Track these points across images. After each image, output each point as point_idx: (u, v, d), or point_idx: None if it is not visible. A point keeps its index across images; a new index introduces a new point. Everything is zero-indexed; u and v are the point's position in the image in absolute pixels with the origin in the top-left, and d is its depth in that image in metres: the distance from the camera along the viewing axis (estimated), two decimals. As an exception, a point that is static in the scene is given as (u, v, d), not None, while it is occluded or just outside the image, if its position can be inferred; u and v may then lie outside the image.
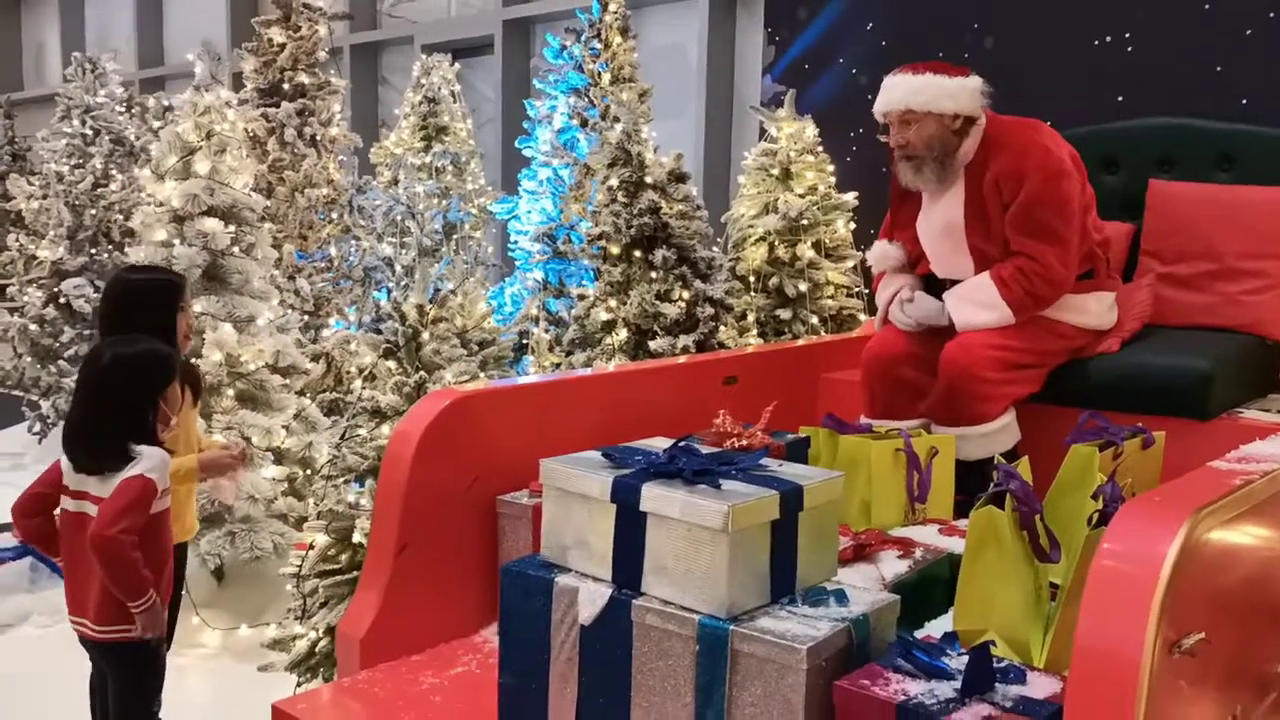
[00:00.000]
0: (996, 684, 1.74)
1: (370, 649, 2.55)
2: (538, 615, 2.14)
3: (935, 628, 2.16)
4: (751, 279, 4.62)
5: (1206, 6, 4.32)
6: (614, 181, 4.08)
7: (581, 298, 4.34)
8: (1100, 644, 1.51)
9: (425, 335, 3.18)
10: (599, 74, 5.44)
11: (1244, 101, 4.21)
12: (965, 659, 1.79)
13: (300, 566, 3.13)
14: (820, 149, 4.87)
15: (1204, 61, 4.33)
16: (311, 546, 3.18)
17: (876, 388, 3.29)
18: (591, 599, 2.05)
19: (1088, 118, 4.16)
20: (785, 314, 4.59)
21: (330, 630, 3.06)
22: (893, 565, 2.34)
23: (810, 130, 4.81)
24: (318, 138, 5.30)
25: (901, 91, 3.21)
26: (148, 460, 2.49)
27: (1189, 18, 4.37)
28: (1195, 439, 2.95)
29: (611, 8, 5.47)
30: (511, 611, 2.20)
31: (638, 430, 3.09)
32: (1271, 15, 4.16)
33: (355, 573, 3.16)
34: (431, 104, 7.21)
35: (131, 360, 2.56)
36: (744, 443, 2.44)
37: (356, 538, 3.07)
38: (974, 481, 3.01)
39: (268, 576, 4.07)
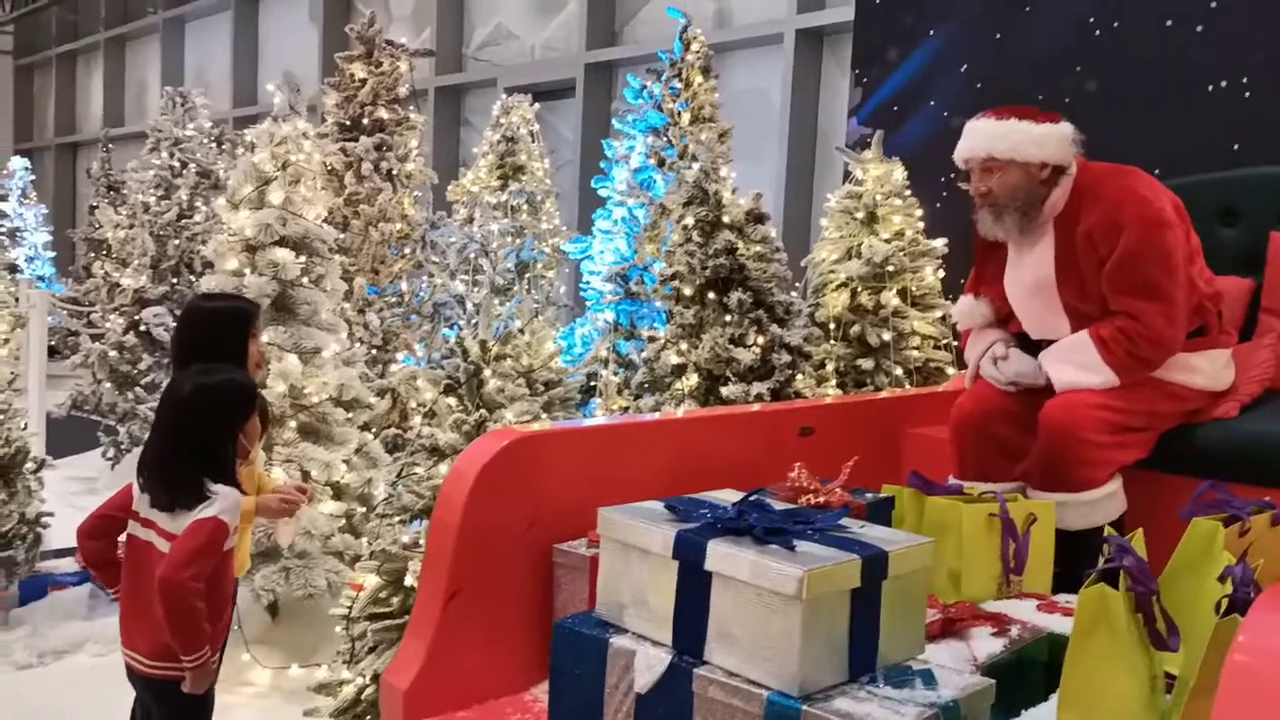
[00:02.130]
0: (1111, 791, 1.51)
1: (415, 701, 2.38)
2: (591, 678, 1.96)
3: (1035, 715, 1.93)
4: (831, 326, 4.41)
5: (1331, 48, 4.05)
6: (690, 220, 3.93)
7: (652, 340, 4.19)
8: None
9: (488, 372, 3.05)
10: (678, 113, 5.33)
11: (1375, 151, 3.92)
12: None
13: (350, 608, 2.99)
14: (908, 192, 4.67)
15: (1328, 108, 4.05)
16: (363, 587, 3.05)
17: (968, 446, 3.06)
18: (649, 665, 1.86)
19: (1200, 167, 3.91)
20: (867, 364, 4.37)
21: (377, 678, 2.91)
22: (986, 644, 2.11)
23: (898, 173, 4.61)
24: (394, 173, 5.26)
25: (983, 137, 3.02)
26: (222, 501, 2.39)
27: (1313, 62, 4.10)
28: (1325, 515, 2.66)
29: (694, 47, 5.36)
30: (563, 671, 2.02)
31: (705, 481, 2.90)
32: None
33: (406, 617, 3.02)
34: (510, 143, 7.18)
35: (213, 391, 2.48)
36: (821, 499, 2.24)
37: (409, 580, 2.92)
38: (1075, 554, 2.76)
39: (322, 615, 3.95)
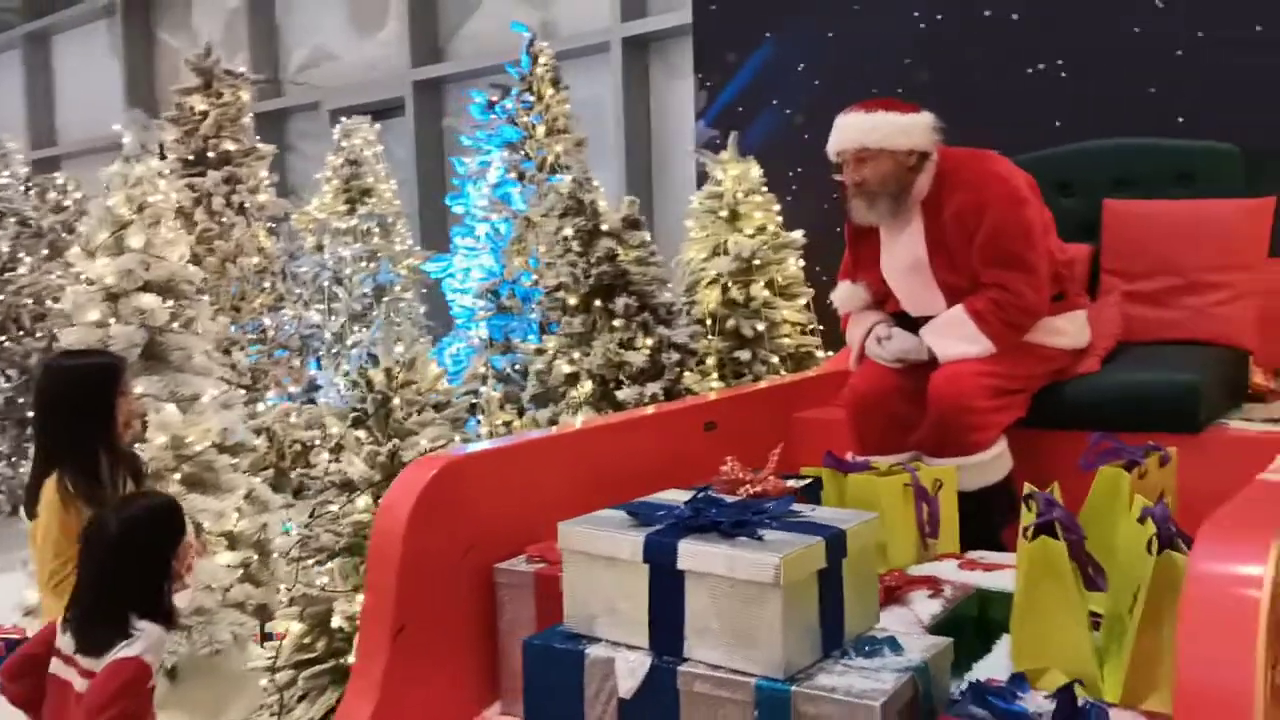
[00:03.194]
0: (1081, 725, 1.64)
1: (373, 744, 2.35)
2: (568, 691, 1.99)
3: (983, 668, 2.06)
4: (708, 321, 4.54)
5: (1136, 30, 4.42)
6: (569, 231, 3.98)
7: (540, 352, 4.21)
8: (1208, 674, 1.43)
9: (397, 400, 3.02)
10: (533, 126, 5.35)
11: (1180, 120, 4.31)
12: (1042, 701, 1.70)
13: (274, 659, 2.91)
14: (765, 189, 4.85)
15: (1138, 84, 4.42)
16: (285, 635, 2.97)
17: (865, 424, 3.22)
18: (631, 670, 1.91)
19: (1027, 145, 4.20)
20: (744, 355, 4.52)
21: (314, 725, 2.84)
22: (925, 606, 2.24)
23: (755, 171, 4.78)
24: (246, 205, 5.09)
25: (855, 130, 3.19)
26: (144, 639, 2.27)
27: (1120, 42, 4.47)
28: (1189, 452, 2.93)
29: (542, 60, 5.40)
30: (537, 689, 2.04)
31: (629, 484, 2.95)
32: (1200, 35, 4.28)
33: (335, 660, 2.96)
34: (354, 166, 7.05)
35: (143, 522, 2.35)
36: (759, 488, 2.33)
37: (336, 622, 2.87)
38: (971, 513, 2.95)
39: (221, 670, 3.80)
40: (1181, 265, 3.54)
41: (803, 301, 4.77)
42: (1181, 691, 1.44)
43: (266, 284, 5.20)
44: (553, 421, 4.00)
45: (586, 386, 3.91)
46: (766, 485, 2.34)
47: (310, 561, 3.01)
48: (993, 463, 3.05)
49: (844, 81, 5.21)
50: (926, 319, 3.24)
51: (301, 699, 2.91)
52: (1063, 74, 4.65)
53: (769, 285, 4.63)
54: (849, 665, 1.83)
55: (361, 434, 3.03)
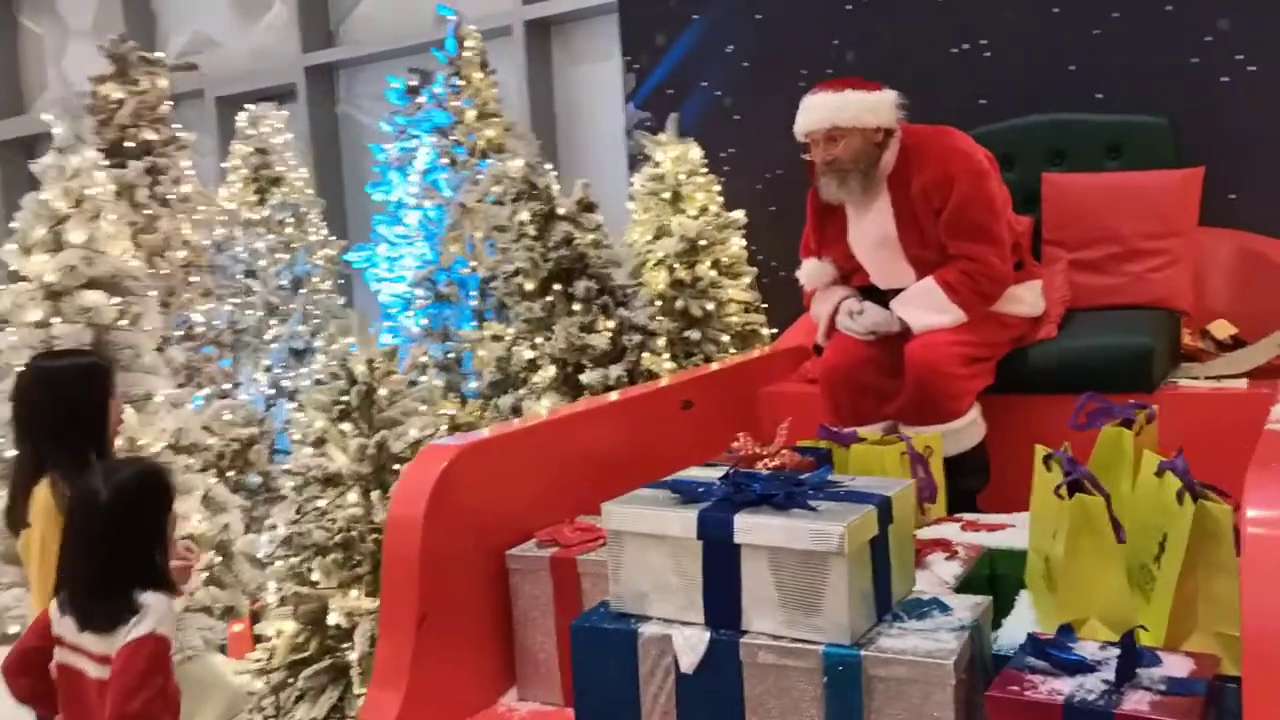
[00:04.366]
0: (1137, 669, 1.74)
1: (402, 737, 2.33)
2: (621, 672, 2.01)
3: (1010, 623, 2.16)
4: (658, 303, 4.57)
5: (1055, 10, 4.60)
6: (524, 215, 3.95)
7: (497, 338, 4.18)
8: (1274, 623, 1.52)
9: (383, 392, 2.96)
10: (462, 110, 5.28)
11: (1099, 96, 4.50)
12: (1093, 649, 1.79)
13: (269, 659, 2.84)
14: (705, 169, 4.90)
15: (1057, 62, 4.60)
16: (276, 636, 2.90)
17: (841, 396, 3.31)
18: (691, 645, 1.94)
19: (953, 123, 4.33)
20: (695, 335, 4.56)
21: (317, 725, 2.79)
22: (947, 568, 2.33)
23: (695, 152, 4.83)
24: (170, 197, 4.89)
25: (826, 110, 3.26)
26: (155, 613, 2.16)
27: (1040, 22, 4.64)
28: (1150, 411, 3.10)
29: (468, 43, 5.33)
30: (588, 671, 2.05)
31: (624, 466, 2.99)
32: (1115, 15, 4.48)
33: (329, 658, 2.91)
34: (263, 154, 6.84)
35: (134, 488, 2.22)
36: (777, 463, 2.37)
37: (333, 619, 2.81)
38: (949, 479, 3.07)
39: (192, 676, 3.67)
40: (1120, 234, 3.72)
41: (747, 280, 4.84)
42: (1249, 641, 1.53)
43: (194, 278, 5.01)
44: (515, 409, 3.97)
45: (550, 371, 3.90)
46: (784, 459, 2.39)
47: (298, 559, 2.94)
48: (968, 428, 3.17)
49: (773, 63, 5.28)
50: (896, 292, 3.34)
51: (299, 699, 2.85)
52: (986, 54, 4.80)
53: (714, 265, 4.68)
54: (904, 628, 1.90)
55: (346, 427, 2.96)
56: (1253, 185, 4.19)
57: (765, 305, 4.93)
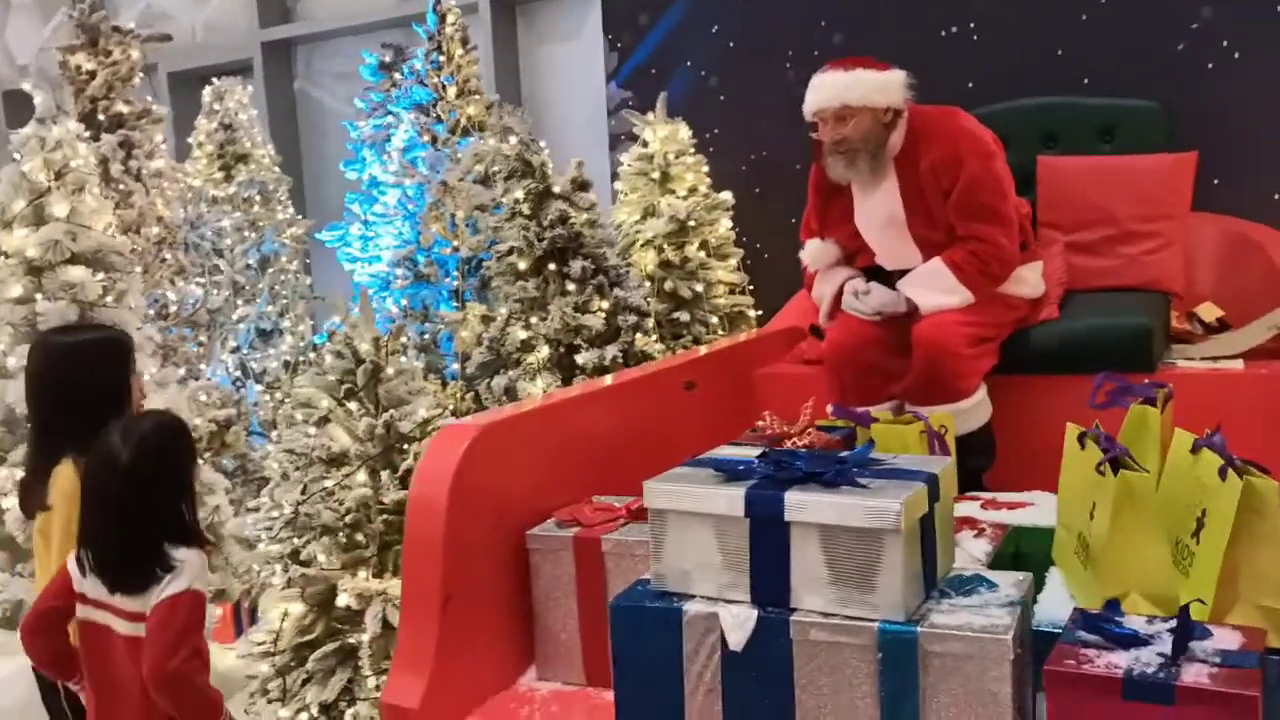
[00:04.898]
0: (1190, 642, 1.75)
1: (428, 718, 2.29)
2: (665, 651, 1.98)
3: (1045, 600, 2.17)
4: (648, 284, 4.54)
5: (1043, -6, 4.64)
6: (519, 194, 3.89)
7: (488, 318, 4.11)
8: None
9: (390, 370, 2.90)
10: (444, 87, 5.19)
11: (1085, 81, 4.54)
12: (1146, 625, 1.80)
13: (274, 641, 2.77)
14: (694, 150, 4.87)
15: (1046, 46, 4.63)
16: (282, 619, 2.83)
17: (847, 376, 3.31)
18: (739, 623, 1.91)
19: (940, 104, 4.36)
20: (684, 316, 4.54)
21: (327, 708, 2.73)
22: (978, 545, 2.34)
23: (683, 131, 4.79)
24: (143, 172, 4.75)
25: (836, 88, 3.25)
26: (190, 568, 2.10)
27: (1028, 6, 4.67)
28: (1150, 391, 3.13)
29: (450, 19, 5.23)
30: (630, 651, 2.02)
31: (634, 446, 2.96)
32: (1103, 1, 4.52)
33: (335, 641, 2.85)
34: (229, 130, 6.68)
35: (156, 442, 2.14)
36: (805, 441, 2.36)
37: (342, 600, 2.75)
38: (958, 456, 3.07)
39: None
40: (1115, 216, 3.77)
41: (734, 262, 4.82)
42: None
43: (167, 255, 4.88)
44: (509, 389, 3.92)
45: (544, 352, 3.85)
46: (812, 438, 2.37)
47: (301, 541, 2.87)
48: (976, 408, 3.19)
49: (759, 44, 5.26)
50: (903, 272, 3.34)
51: (306, 682, 2.79)
52: (975, 37, 4.82)
53: (703, 246, 4.66)
54: (954, 605, 1.89)
55: (353, 406, 2.90)
56: (1237, 171, 4.26)
57: (753, 287, 4.92)
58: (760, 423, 2.53)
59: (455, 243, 5.03)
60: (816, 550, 1.88)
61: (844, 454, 2.08)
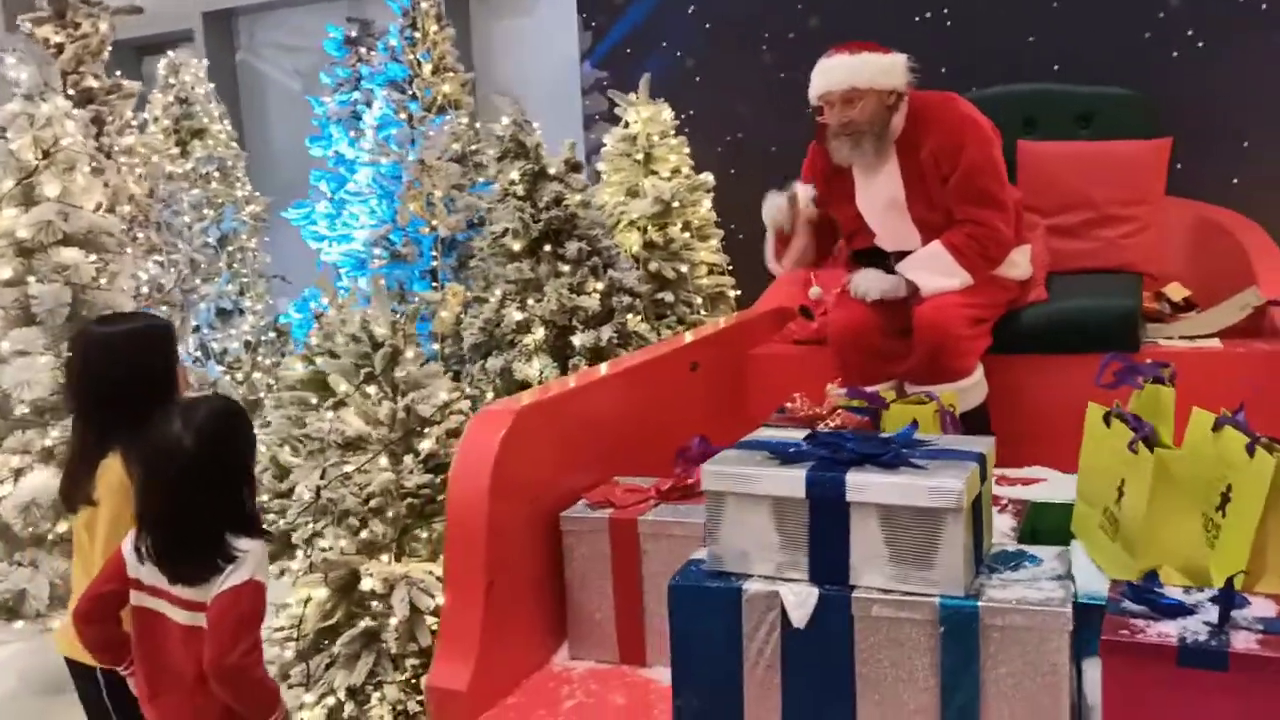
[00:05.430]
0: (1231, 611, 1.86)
1: (475, 701, 2.32)
2: (724, 630, 2.03)
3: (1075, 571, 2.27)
4: (634, 265, 4.57)
5: (1016, -19, 4.76)
6: (514, 175, 3.89)
7: (479, 300, 4.11)
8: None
9: (410, 354, 2.90)
10: (419, 64, 5.14)
11: (1056, 68, 4.68)
12: (1185, 596, 1.90)
13: (299, 626, 2.77)
14: (675, 131, 4.90)
15: (1017, 33, 4.76)
16: (304, 604, 2.83)
17: (851, 357, 3.39)
18: (801, 601, 1.98)
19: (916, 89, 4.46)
20: (668, 297, 4.59)
21: (354, 692, 2.74)
22: (1003, 521, 2.43)
23: (666, 113, 4.82)
24: (115, 149, 4.63)
25: (844, 71, 3.31)
26: (253, 559, 2.07)
27: (1001, -8, 4.79)
28: (1137, 370, 3.27)
29: (424, -6, 5.18)
30: (687, 631, 2.07)
31: (652, 427, 3.01)
32: (1073, -12, 4.66)
33: (358, 624, 2.86)
34: (185, 105, 6.53)
35: (216, 427, 2.08)
36: (837, 422, 2.43)
37: (367, 585, 2.76)
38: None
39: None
40: (1094, 200, 3.90)
41: (715, 242, 4.87)
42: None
43: (139, 234, 4.77)
44: (505, 371, 3.93)
45: (539, 333, 3.87)
46: (845, 418, 2.45)
47: (323, 525, 2.87)
48: (975, 388, 3.30)
49: (735, 26, 5.30)
50: (902, 254, 3.43)
51: (329, 666, 2.79)
52: (948, 23, 4.93)
53: (685, 227, 4.70)
54: (1004, 580, 1.98)
55: (373, 390, 2.89)
56: (1201, 156, 4.43)
57: (733, 267, 4.98)
58: (790, 404, 2.59)
59: (434, 222, 5.01)
60: (876, 529, 1.94)
61: (887, 435, 2.16)
